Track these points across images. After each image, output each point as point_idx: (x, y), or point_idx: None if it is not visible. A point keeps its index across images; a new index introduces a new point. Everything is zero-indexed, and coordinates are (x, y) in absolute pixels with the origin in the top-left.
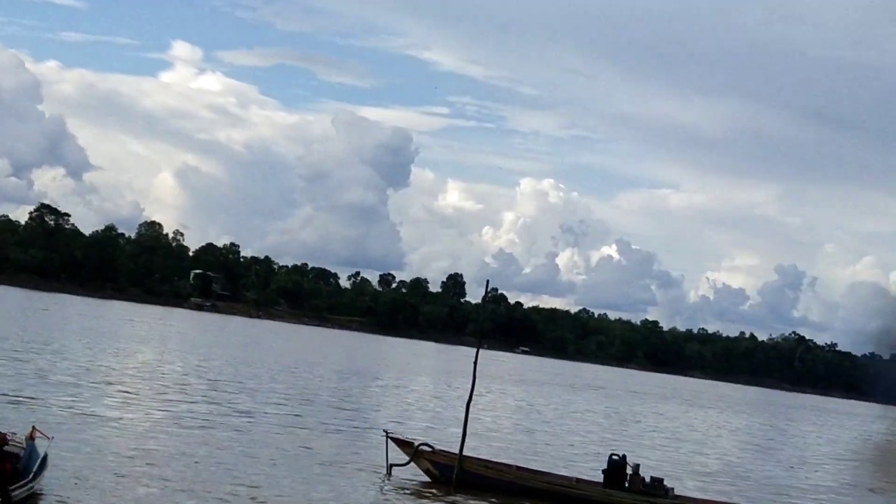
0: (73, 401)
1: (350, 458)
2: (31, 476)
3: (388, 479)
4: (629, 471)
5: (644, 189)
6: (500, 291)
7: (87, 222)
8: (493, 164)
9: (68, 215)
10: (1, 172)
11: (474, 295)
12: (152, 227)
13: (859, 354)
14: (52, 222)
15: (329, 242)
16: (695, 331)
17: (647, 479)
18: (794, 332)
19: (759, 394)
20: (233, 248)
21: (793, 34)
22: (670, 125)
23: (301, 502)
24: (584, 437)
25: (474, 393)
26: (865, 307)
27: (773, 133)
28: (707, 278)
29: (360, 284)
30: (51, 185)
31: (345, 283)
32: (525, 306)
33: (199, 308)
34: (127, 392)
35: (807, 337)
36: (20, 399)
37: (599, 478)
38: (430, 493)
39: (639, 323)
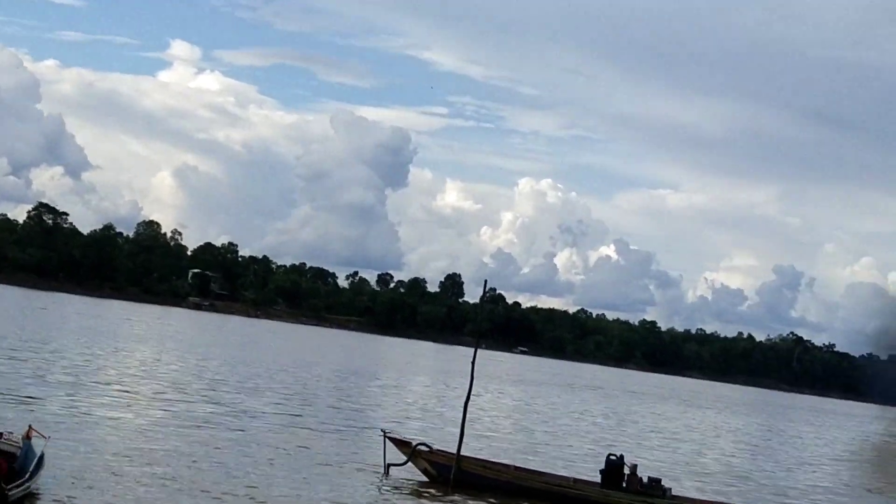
0: (70, 400)
1: (348, 458)
2: (27, 475)
3: (386, 479)
4: (627, 471)
5: (643, 189)
6: (498, 291)
7: (85, 221)
8: (492, 164)
9: (67, 214)
10: None
11: (472, 295)
12: (151, 227)
13: (857, 355)
14: (50, 221)
15: (327, 242)
16: (693, 331)
17: (645, 480)
18: (792, 333)
19: (756, 394)
20: (231, 248)
21: (793, 34)
22: (670, 125)
23: (299, 502)
24: (582, 438)
25: (472, 393)
26: (864, 308)
27: (773, 133)
28: (705, 278)
29: (359, 284)
30: (49, 184)
31: (343, 282)
32: (523, 306)
33: (198, 307)
34: (125, 391)
35: (805, 337)
36: (18, 398)
37: (597, 478)
38: (428, 492)
39: (637, 323)
